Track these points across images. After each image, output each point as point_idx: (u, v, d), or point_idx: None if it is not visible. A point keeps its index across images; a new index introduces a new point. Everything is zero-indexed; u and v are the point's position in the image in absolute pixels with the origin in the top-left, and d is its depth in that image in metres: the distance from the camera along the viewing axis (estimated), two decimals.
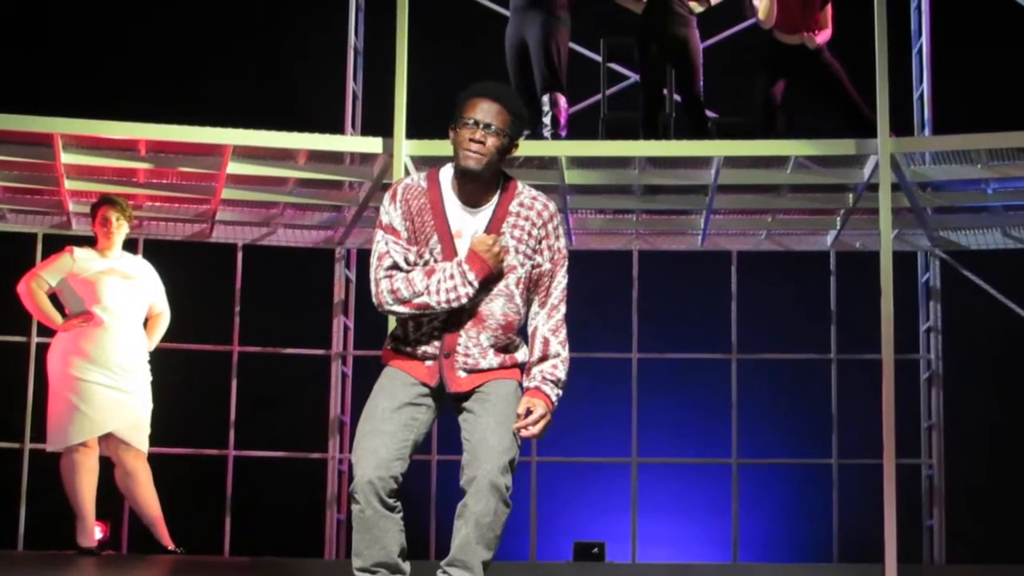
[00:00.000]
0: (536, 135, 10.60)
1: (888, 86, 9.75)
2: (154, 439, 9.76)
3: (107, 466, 9.59)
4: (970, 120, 10.58)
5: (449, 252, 5.59)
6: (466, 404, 5.64)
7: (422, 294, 5.56)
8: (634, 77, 11.52)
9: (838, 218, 11.53)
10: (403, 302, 5.59)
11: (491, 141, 5.57)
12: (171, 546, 9.60)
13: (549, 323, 5.69)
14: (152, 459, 9.70)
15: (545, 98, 10.62)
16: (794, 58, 10.67)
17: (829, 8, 10.65)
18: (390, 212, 5.66)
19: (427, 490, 11.44)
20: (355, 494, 5.50)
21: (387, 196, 5.67)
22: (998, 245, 11.63)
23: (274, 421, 11.80)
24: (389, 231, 5.65)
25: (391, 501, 5.52)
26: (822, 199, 11.35)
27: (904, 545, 9.29)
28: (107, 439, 9.50)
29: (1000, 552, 11.04)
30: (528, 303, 5.70)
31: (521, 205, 5.67)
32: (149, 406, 9.65)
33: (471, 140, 5.56)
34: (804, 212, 11.64)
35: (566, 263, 5.74)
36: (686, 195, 11.23)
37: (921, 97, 11.85)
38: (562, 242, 5.74)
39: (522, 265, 5.64)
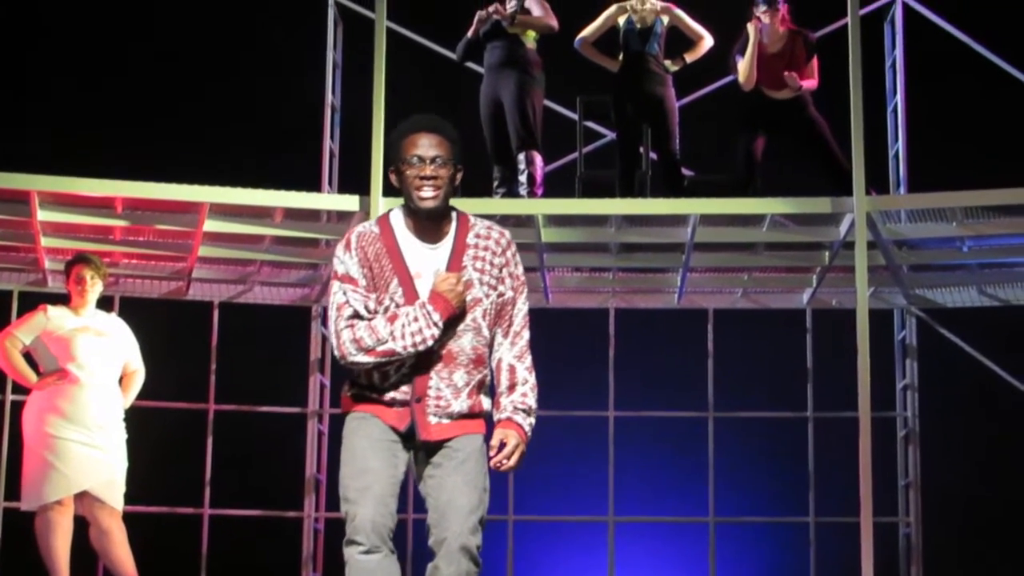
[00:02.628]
0: (512, 193, 10.64)
1: (864, 144, 9.82)
2: (129, 497, 9.73)
3: (82, 524, 9.56)
4: (945, 178, 10.62)
5: (411, 294, 5.50)
6: (433, 459, 5.55)
7: (387, 340, 5.46)
8: (610, 135, 11.58)
9: (814, 276, 11.57)
10: (367, 351, 5.48)
11: (442, 173, 5.52)
12: None
13: (514, 350, 5.63)
14: (127, 517, 9.67)
15: (521, 156, 10.65)
16: (780, 112, 10.72)
17: (815, 61, 10.71)
18: (346, 261, 5.58)
19: (403, 548, 11.44)
20: (357, 536, 5.40)
21: (340, 246, 5.61)
22: (974, 303, 11.68)
23: (250, 479, 11.78)
24: (346, 280, 5.56)
25: (391, 543, 5.45)
26: (798, 257, 11.40)
27: None
28: (82, 497, 9.46)
29: None
30: (493, 333, 5.65)
31: (478, 236, 5.61)
32: (124, 464, 9.62)
33: (422, 178, 5.49)
34: (780, 270, 11.68)
35: (525, 289, 5.69)
36: (662, 253, 11.27)
37: (896, 155, 11.92)
38: (520, 268, 5.69)
39: (487, 296, 5.58)
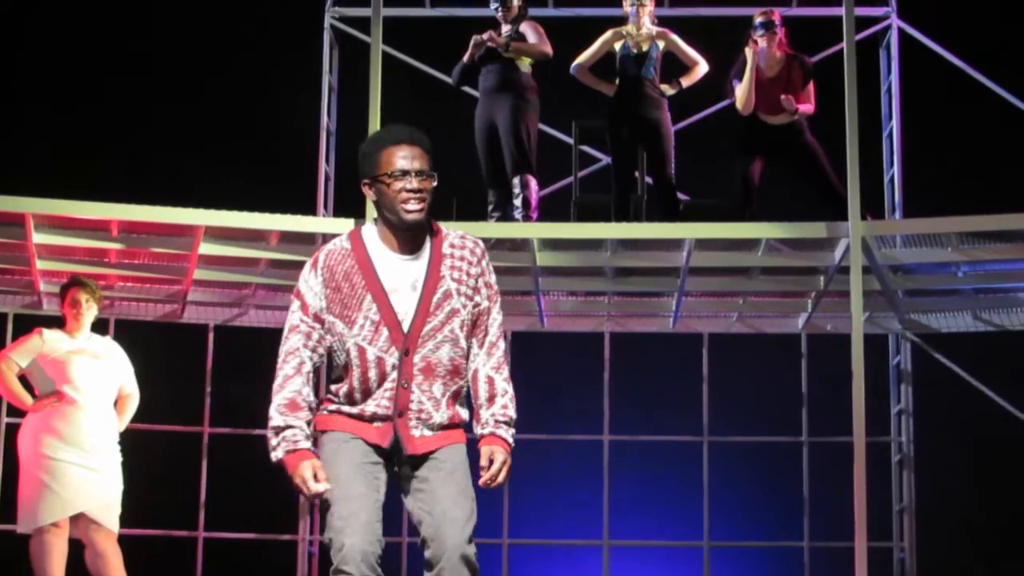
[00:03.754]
0: (507, 217, 10.65)
1: (859, 169, 9.85)
2: (124, 520, 9.75)
3: (77, 547, 9.58)
4: (941, 204, 10.66)
5: (386, 310, 5.42)
6: (419, 472, 5.48)
7: (275, 405, 5.43)
8: (606, 159, 11.60)
9: (809, 300, 11.59)
10: (271, 395, 5.46)
11: (426, 185, 5.45)
12: None
13: (491, 361, 5.57)
14: (122, 540, 9.69)
15: (516, 180, 10.65)
16: (776, 137, 10.75)
17: (811, 86, 10.74)
18: (307, 279, 5.53)
19: (397, 571, 11.45)
20: (345, 567, 5.28)
21: (308, 264, 5.55)
22: (968, 328, 11.69)
23: (244, 502, 11.77)
24: (299, 299, 5.52)
25: (380, 570, 5.36)
26: (793, 282, 11.42)
27: None
28: (77, 520, 9.47)
29: None
30: (469, 344, 5.59)
31: (452, 246, 5.55)
32: (120, 486, 9.63)
33: (407, 190, 5.42)
34: (776, 295, 11.70)
35: (499, 298, 5.64)
36: (658, 277, 11.28)
37: (892, 180, 11.95)
38: (494, 277, 5.64)
39: (464, 307, 5.50)
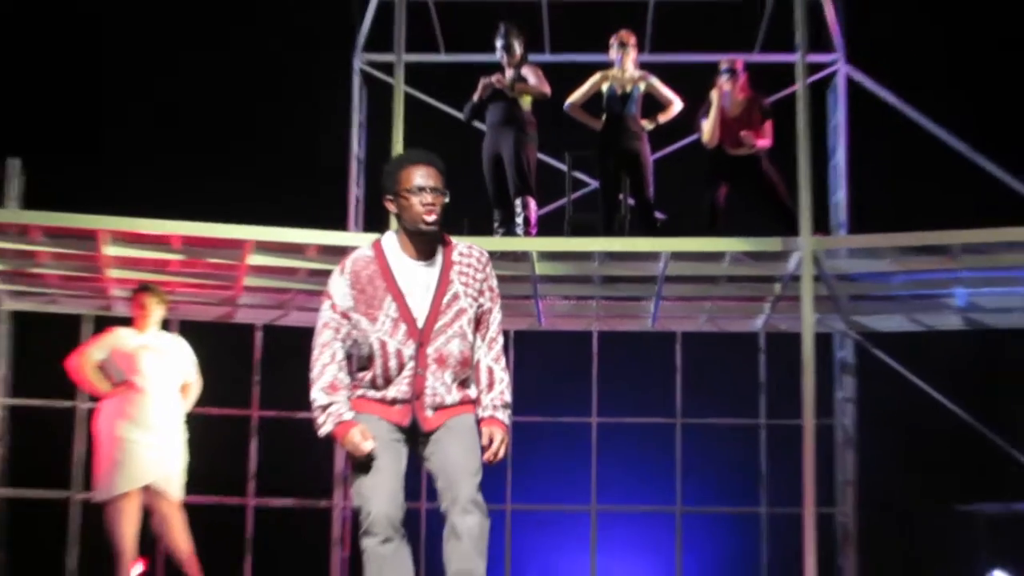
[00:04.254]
0: (510, 233, 10.63)
1: (810, 192, 9.80)
2: (187, 489, 9.70)
3: (146, 512, 9.54)
4: (879, 222, 10.63)
5: (404, 310, 5.46)
6: (433, 436, 5.51)
7: (316, 386, 5.48)
8: (594, 184, 11.54)
9: (767, 304, 11.55)
10: (310, 383, 5.50)
11: (440, 200, 5.50)
12: None
13: (491, 353, 5.61)
14: (185, 506, 9.65)
15: (518, 201, 10.64)
16: (738, 166, 10.74)
17: (769, 123, 10.71)
18: (336, 282, 5.55)
19: (417, 532, 11.40)
20: (373, 529, 5.37)
21: (336, 270, 5.58)
22: (903, 328, 11.67)
23: (288, 474, 11.75)
24: (328, 300, 5.55)
25: (403, 531, 5.42)
26: (753, 288, 11.39)
27: None
28: (146, 489, 9.43)
29: None
30: (474, 338, 5.62)
31: (461, 255, 5.58)
32: (183, 461, 9.60)
33: (423, 204, 5.46)
34: (738, 299, 11.67)
35: (499, 300, 5.68)
36: (639, 284, 11.25)
37: (838, 202, 11.94)
38: (496, 282, 5.68)
39: (470, 307, 5.55)
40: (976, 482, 11.82)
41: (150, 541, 9.97)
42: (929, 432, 11.85)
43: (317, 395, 5.48)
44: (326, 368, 5.49)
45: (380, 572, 5.43)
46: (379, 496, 5.40)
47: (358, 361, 5.59)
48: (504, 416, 5.58)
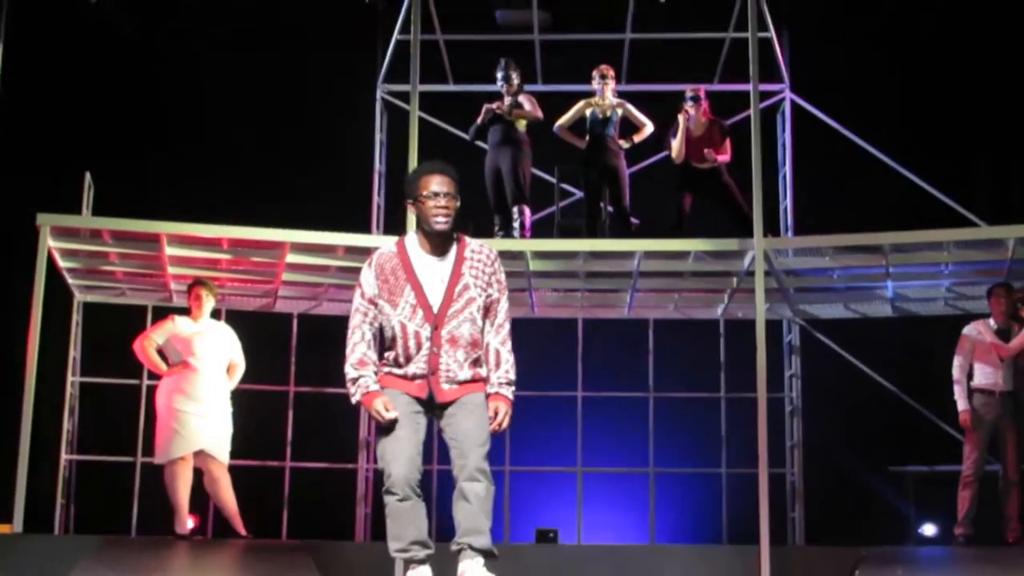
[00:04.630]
0: (508, 235, 10.66)
1: (762, 200, 9.85)
2: (233, 454, 9.78)
3: (198, 474, 9.60)
4: (820, 225, 10.67)
5: (421, 297, 5.54)
6: (448, 411, 5.58)
7: (345, 362, 5.58)
8: (579, 194, 11.58)
9: (726, 295, 11.57)
10: (344, 359, 5.60)
11: (452, 204, 5.57)
12: (244, 532, 9.62)
13: (498, 337, 5.67)
14: (231, 469, 9.73)
15: (515, 209, 10.70)
16: (702, 178, 10.76)
17: (728, 141, 10.74)
18: (365, 274, 5.65)
19: (428, 490, 11.43)
20: (393, 488, 5.46)
21: (366, 264, 5.67)
22: (841, 315, 11.69)
23: (319, 441, 11.77)
24: (359, 290, 5.64)
25: (419, 490, 5.50)
26: (714, 282, 11.40)
27: (774, 531, 9.30)
28: (198, 454, 9.52)
29: (844, 536, 11.06)
30: (483, 324, 5.66)
31: (472, 251, 5.66)
32: (230, 430, 9.68)
33: (437, 207, 5.55)
34: (701, 291, 11.67)
35: (507, 291, 5.75)
36: (617, 278, 11.27)
37: (786, 209, 11.96)
38: (503, 276, 5.75)
39: (480, 296, 5.61)
40: (905, 447, 11.88)
41: (202, 499, 10.05)
42: (865, 404, 11.92)
43: (348, 370, 5.59)
44: (356, 346, 5.59)
45: (398, 524, 5.53)
46: (399, 461, 5.48)
47: (383, 343, 5.67)
48: (508, 392, 5.65)
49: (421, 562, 5.60)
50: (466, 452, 5.51)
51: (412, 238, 5.69)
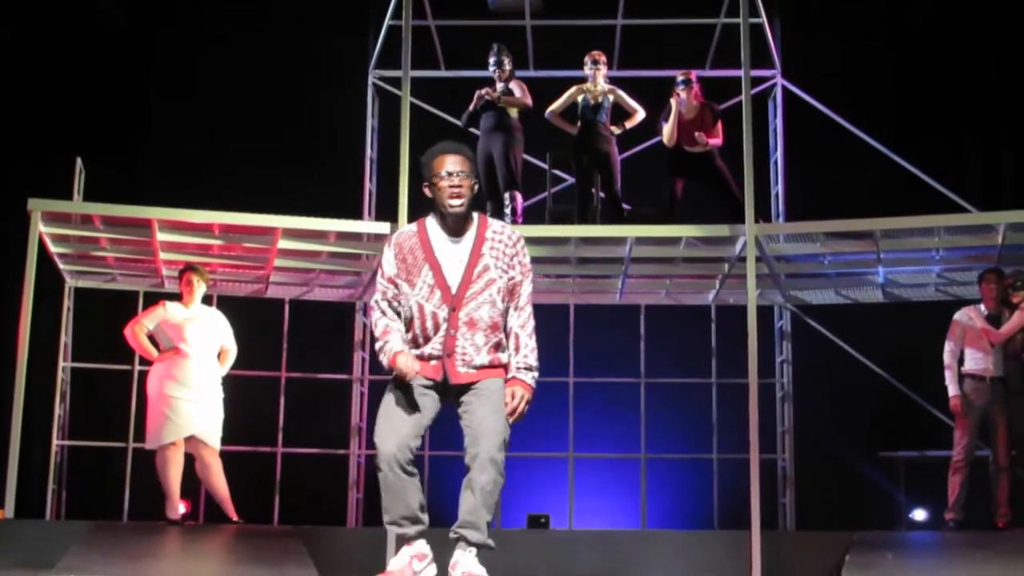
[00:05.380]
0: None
1: (753, 186, 9.84)
2: (225, 439, 9.77)
3: (189, 459, 9.60)
4: (811, 211, 10.67)
5: (439, 278, 5.50)
6: (464, 397, 5.54)
7: (375, 338, 5.56)
8: (570, 180, 11.58)
9: (717, 281, 11.58)
10: (373, 333, 5.58)
11: (466, 184, 5.54)
12: (235, 518, 9.61)
13: (519, 320, 5.62)
14: (222, 454, 9.72)
15: (506, 195, 10.69)
16: (694, 162, 10.74)
17: (720, 124, 10.73)
18: (386, 256, 5.65)
19: (420, 477, 11.42)
20: (380, 464, 5.43)
21: (386, 245, 5.67)
22: (832, 301, 11.70)
23: (311, 427, 11.77)
24: (381, 270, 5.64)
25: (410, 468, 5.46)
26: (705, 267, 11.40)
27: (765, 517, 9.30)
28: (189, 440, 9.52)
29: (835, 521, 11.06)
30: (506, 306, 5.61)
31: (494, 232, 5.61)
32: (221, 415, 9.68)
33: (451, 187, 5.51)
34: (693, 277, 11.67)
35: (531, 274, 5.70)
36: (608, 264, 11.26)
37: (777, 195, 11.95)
38: (527, 259, 5.69)
39: (500, 278, 5.55)
40: (896, 432, 11.90)
41: (193, 485, 10.04)
42: (855, 389, 11.95)
43: (378, 337, 5.56)
44: (379, 321, 5.57)
45: (387, 496, 5.51)
46: (389, 438, 5.44)
47: (403, 323, 5.63)
48: (527, 377, 5.59)
49: (413, 538, 5.57)
50: (479, 440, 5.45)
51: (432, 220, 5.66)
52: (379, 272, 5.67)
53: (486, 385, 5.55)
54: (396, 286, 5.60)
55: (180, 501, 9.63)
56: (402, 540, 5.61)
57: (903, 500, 11.55)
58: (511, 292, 5.62)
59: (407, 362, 5.46)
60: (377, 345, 5.55)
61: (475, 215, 5.65)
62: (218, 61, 12.67)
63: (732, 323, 11.22)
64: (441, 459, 11.34)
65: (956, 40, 12.46)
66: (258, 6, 12.65)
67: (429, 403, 5.57)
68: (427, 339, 5.56)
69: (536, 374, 5.64)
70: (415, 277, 5.55)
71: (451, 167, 5.55)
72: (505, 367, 5.61)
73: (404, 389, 5.53)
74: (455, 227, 5.59)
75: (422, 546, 5.61)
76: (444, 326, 5.52)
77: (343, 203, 11.59)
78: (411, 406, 5.51)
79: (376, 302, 5.64)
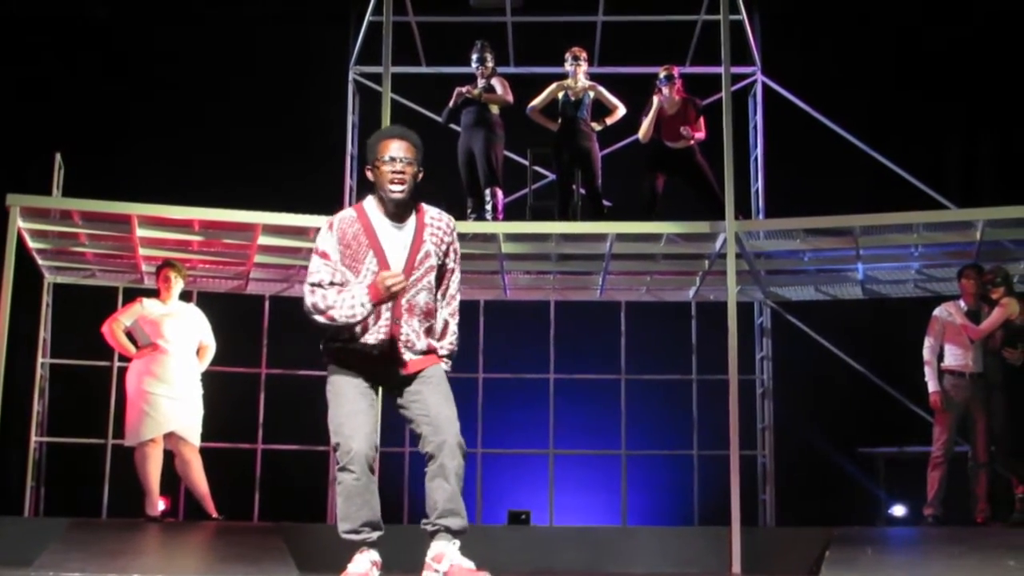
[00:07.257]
0: (481, 218, 10.65)
1: (733, 182, 9.83)
2: (204, 436, 9.73)
3: (169, 456, 9.55)
4: (791, 208, 10.66)
5: (383, 264, 5.37)
6: (411, 387, 5.46)
7: (332, 307, 5.30)
8: (551, 176, 11.55)
9: (697, 278, 11.57)
10: (319, 313, 5.33)
11: (409, 170, 5.42)
12: (215, 515, 9.58)
13: (448, 308, 5.61)
14: (202, 451, 9.68)
15: (487, 191, 10.67)
16: (675, 158, 10.73)
17: (702, 119, 10.73)
18: (325, 238, 5.43)
19: (400, 474, 11.40)
20: (351, 466, 5.30)
21: (324, 226, 5.48)
22: (811, 297, 11.71)
23: (290, 423, 11.73)
24: (322, 256, 5.41)
25: (374, 467, 5.40)
26: (686, 264, 11.37)
27: (745, 513, 9.30)
28: (169, 436, 9.49)
29: (815, 517, 11.06)
30: (436, 293, 5.57)
31: (432, 219, 5.52)
32: (200, 412, 9.65)
33: (393, 173, 5.39)
34: (673, 273, 11.65)
35: (460, 263, 5.67)
36: (589, 261, 11.23)
37: (757, 191, 11.95)
38: (458, 246, 5.65)
39: (437, 265, 5.51)
40: (875, 428, 11.91)
41: (173, 481, 9.99)
42: (835, 386, 11.97)
43: (337, 312, 5.29)
44: (326, 295, 5.32)
45: (351, 503, 5.40)
46: (358, 437, 5.33)
47: None
48: (446, 365, 5.62)
49: (372, 545, 5.51)
50: (442, 428, 5.38)
51: (371, 203, 5.53)
52: (316, 257, 5.43)
53: (432, 372, 5.51)
54: (339, 272, 5.40)
55: (160, 498, 9.59)
56: (360, 546, 5.51)
57: (883, 496, 11.55)
58: (441, 278, 5.59)
59: (388, 277, 5.26)
60: (339, 312, 5.27)
61: (412, 202, 5.53)
62: (198, 56, 12.62)
63: (712, 320, 11.23)
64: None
65: (936, 37, 12.46)
66: (239, 1, 12.59)
67: (376, 399, 5.53)
68: (365, 328, 5.43)
69: (452, 359, 5.67)
70: (359, 264, 5.41)
71: (395, 152, 5.44)
72: (436, 350, 5.60)
73: (352, 383, 5.42)
74: (397, 213, 5.46)
75: (376, 554, 5.53)
76: (387, 315, 5.43)
77: (324, 199, 11.53)
78: (367, 400, 5.43)
79: (318, 282, 5.37)
